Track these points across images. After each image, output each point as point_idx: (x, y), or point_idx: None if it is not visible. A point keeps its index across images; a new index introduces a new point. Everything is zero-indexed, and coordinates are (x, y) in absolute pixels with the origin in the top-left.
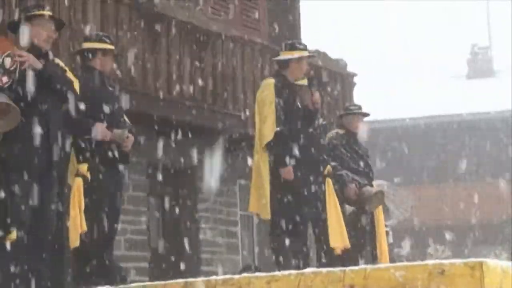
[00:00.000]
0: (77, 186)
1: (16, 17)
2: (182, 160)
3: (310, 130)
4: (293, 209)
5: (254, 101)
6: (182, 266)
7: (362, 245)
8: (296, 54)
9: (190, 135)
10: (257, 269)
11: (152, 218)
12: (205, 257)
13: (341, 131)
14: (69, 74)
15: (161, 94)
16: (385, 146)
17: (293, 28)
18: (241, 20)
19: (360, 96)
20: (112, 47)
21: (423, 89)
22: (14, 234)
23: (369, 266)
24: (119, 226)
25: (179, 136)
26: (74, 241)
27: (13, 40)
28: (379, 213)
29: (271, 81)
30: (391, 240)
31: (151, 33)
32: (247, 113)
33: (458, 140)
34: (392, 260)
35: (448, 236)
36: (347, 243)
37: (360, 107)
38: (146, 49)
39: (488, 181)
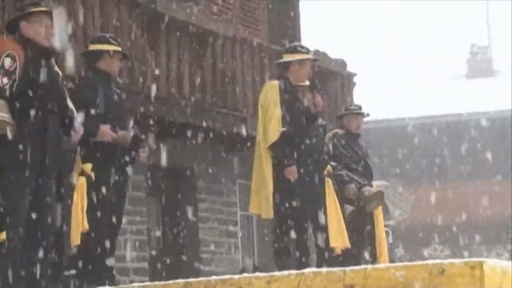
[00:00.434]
0: (80, 185)
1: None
2: (181, 160)
3: (311, 131)
4: (295, 209)
5: (254, 100)
6: (182, 266)
7: (362, 245)
8: (297, 57)
9: (189, 135)
10: (257, 269)
11: (151, 218)
12: (204, 257)
13: (341, 131)
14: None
15: (160, 94)
16: (385, 146)
17: (293, 28)
18: (241, 20)
19: (360, 96)
20: (119, 48)
21: (423, 89)
22: (3, 235)
23: (369, 266)
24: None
25: (179, 136)
26: (75, 240)
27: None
28: (379, 213)
29: (274, 82)
30: (390, 240)
31: (151, 33)
32: (247, 112)
33: (458, 140)
34: (391, 260)
35: (448, 236)
36: (347, 243)
37: (360, 107)
38: (146, 50)
39: (488, 181)
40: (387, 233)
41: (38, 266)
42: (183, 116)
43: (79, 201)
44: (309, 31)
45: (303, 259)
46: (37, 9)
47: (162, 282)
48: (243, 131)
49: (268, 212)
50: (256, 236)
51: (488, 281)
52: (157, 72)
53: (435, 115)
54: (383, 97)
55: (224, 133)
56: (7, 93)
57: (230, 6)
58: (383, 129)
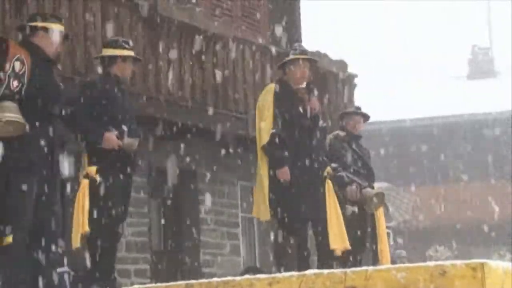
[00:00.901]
0: (83, 187)
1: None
2: (183, 161)
3: (310, 134)
4: (292, 211)
5: (255, 102)
6: (183, 267)
7: (363, 246)
8: (290, 57)
9: (190, 137)
10: (258, 271)
11: (153, 220)
12: (206, 259)
13: (342, 133)
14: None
15: (161, 96)
16: (386, 147)
17: (294, 29)
18: (242, 22)
19: (360, 97)
20: (131, 53)
21: (424, 89)
22: (9, 238)
23: (370, 268)
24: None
25: (180, 137)
26: (76, 242)
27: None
28: (381, 214)
29: (271, 85)
30: (391, 242)
31: (152, 34)
32: (248, 114)
33: (459, 141)
34: (392, 261)
35: (449, 237)
36: (347, 245)
37: (359, 108)
38: (146, 51)
39: (489, 181)
40: (388, 234)
41: (41, 269)
42: (184, 118)
43: (81, 203)
44: (309, 31)
45: (304, 261)
46: (56, 25)
47: (163, 284)
48: (245, 133)
49: (265, 214)
50: (258, 238)
51: (489, 282)
52: (158, 73)
53: (436, 116)
54: (383, 98)
55: (226, 134)
56: (18, 96)
57: (231, 7)
58: (384, 129)
